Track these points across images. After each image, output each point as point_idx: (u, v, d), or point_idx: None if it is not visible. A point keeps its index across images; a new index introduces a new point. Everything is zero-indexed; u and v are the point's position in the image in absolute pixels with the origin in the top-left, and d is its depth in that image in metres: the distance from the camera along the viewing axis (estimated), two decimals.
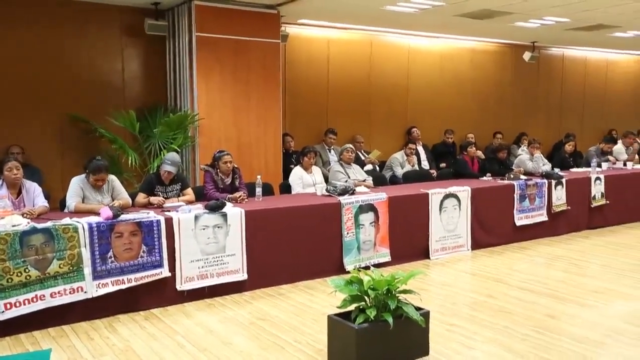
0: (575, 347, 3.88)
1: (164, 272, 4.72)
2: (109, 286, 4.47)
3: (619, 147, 9.43)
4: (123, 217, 4.60)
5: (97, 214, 4.61)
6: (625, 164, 8.93)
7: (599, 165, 8.41)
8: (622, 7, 7.41)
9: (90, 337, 4.12)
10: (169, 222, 4.77)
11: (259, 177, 5.84)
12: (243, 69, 7.33)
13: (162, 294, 4.74)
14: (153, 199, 5.28)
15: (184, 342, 4.02)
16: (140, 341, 4.04)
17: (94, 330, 4.24)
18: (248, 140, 7.42)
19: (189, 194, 5.63)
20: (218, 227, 4.99)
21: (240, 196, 5.55)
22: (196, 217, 4.89)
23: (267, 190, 6.34)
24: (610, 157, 9.10)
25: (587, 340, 4.02)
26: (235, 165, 5.92)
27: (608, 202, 7.98)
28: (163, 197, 5.39)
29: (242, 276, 5.11)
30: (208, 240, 4.95)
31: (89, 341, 4.04)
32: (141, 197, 5.33)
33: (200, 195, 5.74)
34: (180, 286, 4.81)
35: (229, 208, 5.14)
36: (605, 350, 3.86)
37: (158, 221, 4.72)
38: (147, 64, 7.59)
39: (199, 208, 5.05)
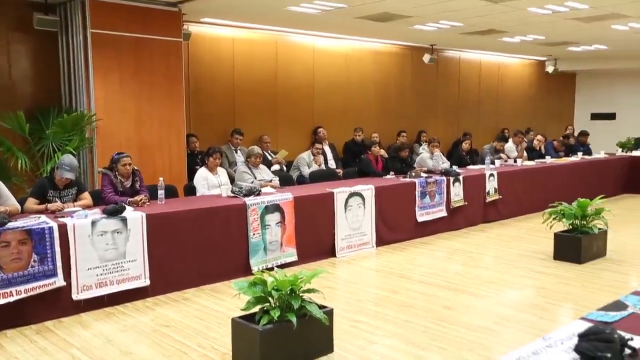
0: (470, 336, 4.10)
1: (58, 281, 4.46)
2: None
3: (509, 145, 10.07)
4: (10, 224, 4.30)
5: None
6: (515, 161, 9.54)
7: (493, 163, 8.93)
8: (508, 14, 7.92)
9: None
10: (62, 228, 4.51)
11: (161, 179, 5.68)
12: (143, 68, 7.07)
13: (56, 305, 4.48)
14: (51, 206, 4.96)
15: (80, 354, 3.82)
16: (30, 357, 3.78)
17: None
18: (150, 142, 7.18)
19: (86, 198, 5.36)
20: (117, 233, 4.80)
21: (141, 199, 5.36)
22: (93, 223, 4.67)
23: (171, 193, 6.18)
24: (503, 155, 9.69)
25: (480, 328, 4.26)
26: (136, 168, 5.71)
27: (501, 197, 8.49)
28: (57, 202, 5.09)
29: (144, 282, 4.95)
30: (107, 247, 4.74)
31: None
32: (32, 203, 5.00)
33: (99, 200, 5.49)
34: (77, 296, 4.57)
35: (128, 212, 4.95)
36: (496, 337, 4.10)
37: (50, 228, 4.45)
38: (38, 62, 7.13)
39: (96, 213, 4.83)
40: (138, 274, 4.91)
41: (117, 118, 6.91)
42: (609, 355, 1.95)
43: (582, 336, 2.06)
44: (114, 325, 4.37)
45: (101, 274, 4.70)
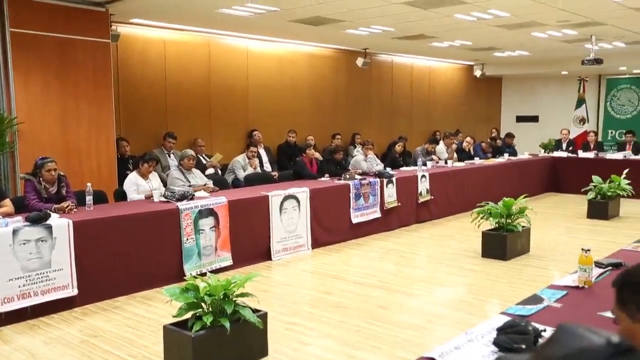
0: (402, 334, 4.20)
1: None
2: None
3: (440, 147, 10.37)
4: None
5: None
6: (446, 162, 9.84)
7: (425, 164, 9.18)
8: (436, 20, 8.19)
9: None
10: None
11: (88, 184, 5.49)
12: (69, 70, 6.82)
13: None
14: None
15: None
16: None
17: None
18: (77, 146, 6.93)
19: (7, 205, 5.12)
20: (42, 241, 4.60)
21: (67, 206, 5.16)
22: (15, 231, 4.46)
23: (100, 198, 5.98)
24: (434, 156, 9.97)
25: (413, 326, 4.37)
26: (61, 173, 5.50)
27: (432, 197, 8.74)
28: None
29: (72, 292, 4.77)
30: (30, 256, 4.54)
31: None
32: None
33: (22, 207, 5.24)
34: None
35: (54, 219, 4.76)
36: (427, 334, 4.23)
37: None
38: None
39: (18, 221, 4.62)
40: (65, 284, 4.73)
41: (40, 121, 6.63)
42: (523, 346, 2.06)
43: (500, 330, 2.17)
44: (38, 339, 4.19)
45: (24, 285, 4.49)
